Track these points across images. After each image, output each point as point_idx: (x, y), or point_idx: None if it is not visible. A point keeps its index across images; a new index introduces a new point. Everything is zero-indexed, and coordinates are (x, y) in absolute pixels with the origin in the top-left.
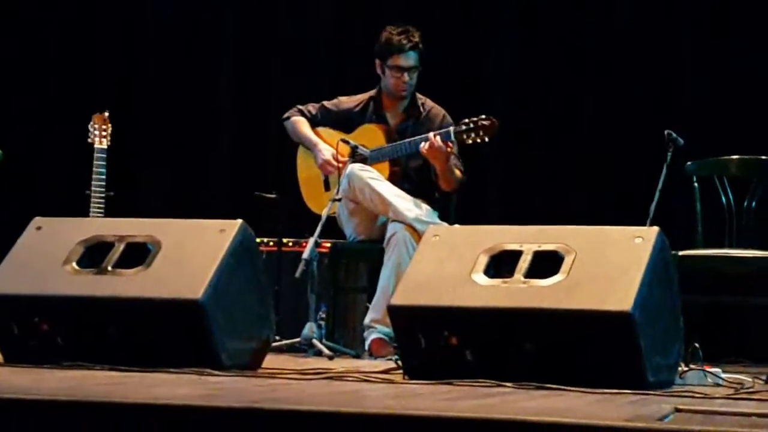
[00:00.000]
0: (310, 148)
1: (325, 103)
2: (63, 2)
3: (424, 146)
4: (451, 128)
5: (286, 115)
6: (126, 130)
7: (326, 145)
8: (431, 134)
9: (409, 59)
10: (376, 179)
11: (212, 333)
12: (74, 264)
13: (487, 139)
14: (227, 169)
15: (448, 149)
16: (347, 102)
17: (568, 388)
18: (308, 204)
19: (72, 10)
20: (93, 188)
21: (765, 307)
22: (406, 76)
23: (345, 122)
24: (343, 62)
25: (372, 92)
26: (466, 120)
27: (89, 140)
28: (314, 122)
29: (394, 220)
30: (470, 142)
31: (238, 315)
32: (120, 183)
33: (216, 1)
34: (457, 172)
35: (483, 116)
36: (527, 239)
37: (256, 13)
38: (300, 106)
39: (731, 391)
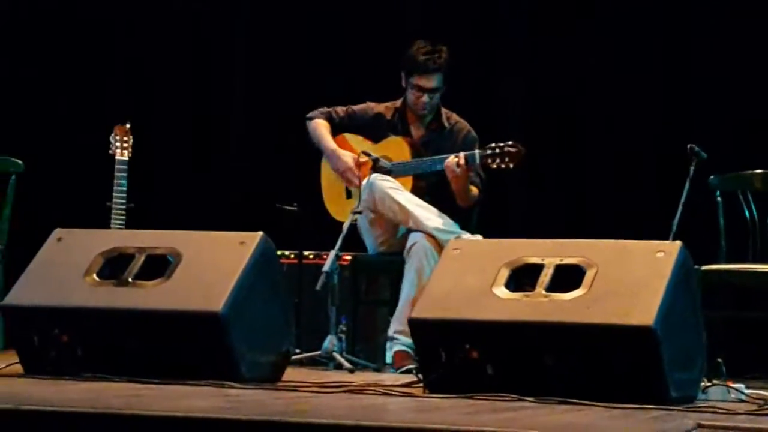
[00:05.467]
0: (327, 154)
1: (354, 107)
2: (84, 14)
3: (448, 163)
4: (477, 152)
5: (310, 114)
6: (147, 142)
7: (346, 151)
8: (460, 154)
9: (431, 81)
10: (396, 189)
11: (232, 345)
12: (95, 275)
13: (512, 166)
14: (247, 181)
15: (468, 172)
16: (376, 107)
17: (590, 402)
18: (329, 209)
19: (94, 22)
20: (114, 200)
21: None
22: (426, 97)
23: (372, 128)
24: (364, 71)
25: (398, 102)
26: (493, 144)
27: (110, 152)
28: (341, 126)
29: (414, 230)
30: (494, 167)
31: (258, 327)
32: (141, 194)
33: (228, 12)
34: (474, 190)
35: (510, 142)
36: (549, 253)
37: (270, 20)
38: (327, 108)
39: (754, 407)
